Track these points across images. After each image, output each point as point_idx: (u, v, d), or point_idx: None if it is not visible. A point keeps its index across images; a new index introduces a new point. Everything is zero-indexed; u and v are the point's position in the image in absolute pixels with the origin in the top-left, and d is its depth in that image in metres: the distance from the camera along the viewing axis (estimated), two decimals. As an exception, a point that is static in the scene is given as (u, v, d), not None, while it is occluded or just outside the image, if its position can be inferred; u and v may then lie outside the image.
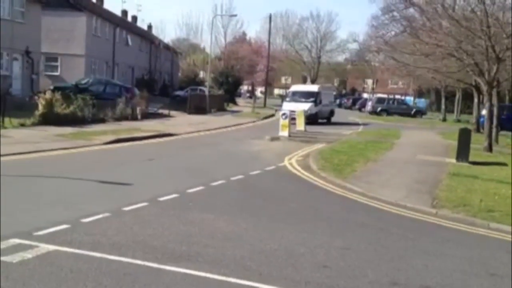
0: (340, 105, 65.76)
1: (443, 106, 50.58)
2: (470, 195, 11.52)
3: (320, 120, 33.47)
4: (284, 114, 24.64)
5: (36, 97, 22.05)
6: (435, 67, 25.80)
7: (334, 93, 55.94)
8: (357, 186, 12.10)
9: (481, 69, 21.71)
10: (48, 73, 36.43)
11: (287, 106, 31.41)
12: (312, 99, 33.35)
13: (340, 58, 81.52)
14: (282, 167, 14.96)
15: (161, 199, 9.57)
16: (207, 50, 61.86)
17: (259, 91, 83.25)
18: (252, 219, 8.72)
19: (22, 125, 19.74)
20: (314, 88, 36.88)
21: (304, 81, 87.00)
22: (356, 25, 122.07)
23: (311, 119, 30.91)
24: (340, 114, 49.37)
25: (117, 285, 5.43)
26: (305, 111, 29.95)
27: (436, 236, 8.66)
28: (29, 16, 30.48)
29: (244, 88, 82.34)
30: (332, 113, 37.40)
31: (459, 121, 45.71)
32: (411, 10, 26.83)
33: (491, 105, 22.51)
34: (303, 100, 33.00)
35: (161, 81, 57.68)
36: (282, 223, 8.54)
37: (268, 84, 68.30)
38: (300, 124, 28.00)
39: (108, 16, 45.39)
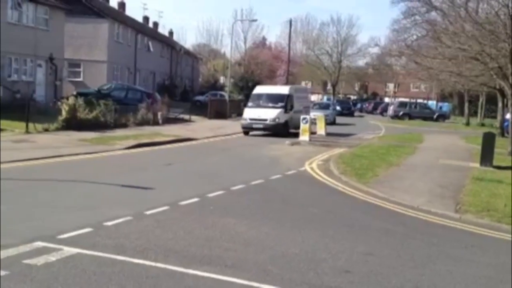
0: (361, 110, 65.37)
1: (466, 110, 49.88)
2: (495, 200, 11.32)
3: (292, 130, 25.86)
4: (304, 118, 24.41)
5: (59, 103, 22.39)
6: (458, 70, 25.48)
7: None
8: (379, 191, 11.99)
9: (505, 72, 21.37)
10: (71, 79, 36.95)
11: (249, 113, 26.12)
12: (281, 104, 26.28)
13: (361, 62, 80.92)
14: (302, 172, 14.91)
15: (182, 203, 9.61)
16: (227, 55, 62.21)
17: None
18: (273, 223, 8.69)
19: (46, 130, 20.04)
20: (284, 90, 28.43)
21: (324, 86, 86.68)
22: (377, 29, 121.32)
23: (279, 131, 25.21)
24: (362, 119, 49.16)
25: (139, 288, 5.46)
26: (271, 120, 25.46)
27: (460, 241, 8.53)
28: (52, 23, 30.98)
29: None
30: None
31: (483, 125, 45.03)
32: (433, 13, 26.62)
33: (516, 109, 22.15)
34: (270, 105, 26.32)
35: (181, 87, 58.06)
36: (303, 228, 8.49)
37: (288, 89, 68.11)
38: (321, 128, 27.88)
39: (130, 23, 45.91)
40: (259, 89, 29.10)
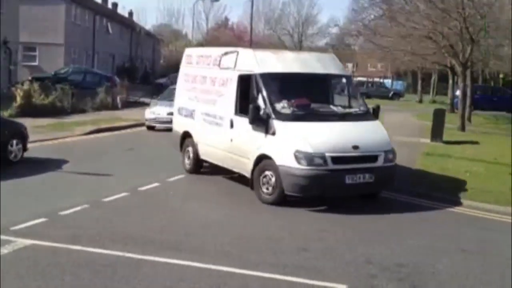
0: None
1: (419, 88, 51.06)
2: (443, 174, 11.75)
3: None
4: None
5: (13, 88, 21.78)
6: (412, 49, 26.05)
7: None
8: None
9: (455, 50, 21.96)
10: (26, 63, 35.88)
11: (180, 125, 12.56)
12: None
13: (321, 42, 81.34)
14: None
15: (142, 188, 9.55)
16: (189, 36, 61.54)
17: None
18: (233, 206, 8.84)
19: (0, 117, 19.52)
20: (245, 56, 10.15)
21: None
22: (337, 9, 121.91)
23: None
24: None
25: (95, 277, 5.48)
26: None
27: (411, 215, 8.83)
28: (6, 5, 29.90)
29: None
30: None
31: (434, 102, 46.10)
32: (390, -7, 26.90)
33: (465, 86, 22.96)
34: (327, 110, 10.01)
35: (142, 69, 57.23)
36: (263, 211, 8.63)
37: (250, 70, 67.95)
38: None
39: (87, 4, 44.66)
40: (194, 52, 13.31)
